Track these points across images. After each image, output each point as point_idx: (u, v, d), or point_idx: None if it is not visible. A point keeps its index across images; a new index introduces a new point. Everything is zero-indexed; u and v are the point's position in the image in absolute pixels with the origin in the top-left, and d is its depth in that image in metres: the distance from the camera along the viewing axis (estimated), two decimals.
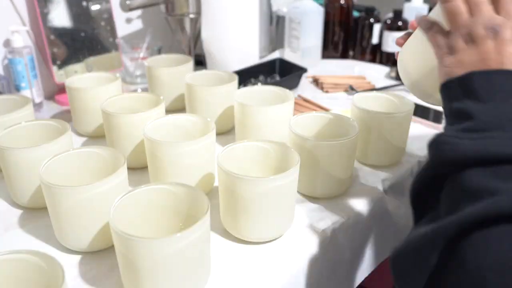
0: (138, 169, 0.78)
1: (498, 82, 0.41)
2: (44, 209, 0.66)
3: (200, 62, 1.24)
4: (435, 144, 0.42)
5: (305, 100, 1.07)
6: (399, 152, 0.79)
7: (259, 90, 0.86)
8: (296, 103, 1.03)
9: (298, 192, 0.71)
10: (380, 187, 0.75)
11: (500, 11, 0.44)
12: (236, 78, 0.90)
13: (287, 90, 0.83)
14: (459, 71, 0.43)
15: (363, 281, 0.74)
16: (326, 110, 1.02)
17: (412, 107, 0.76)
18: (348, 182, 0.72)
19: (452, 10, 0.45)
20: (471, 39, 0.44)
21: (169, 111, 0.97)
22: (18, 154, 0.64)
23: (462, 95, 0.42)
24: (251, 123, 0.79)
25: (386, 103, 0.82)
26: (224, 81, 0.91)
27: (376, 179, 0.76)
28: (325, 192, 0.70)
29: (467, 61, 0.43)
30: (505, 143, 0.38)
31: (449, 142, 0.40)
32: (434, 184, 0.42)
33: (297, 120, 0.73)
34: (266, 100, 0.85)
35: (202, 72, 0.95)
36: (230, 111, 0.89)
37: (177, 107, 0.99)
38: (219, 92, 0.86)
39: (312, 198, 0.71)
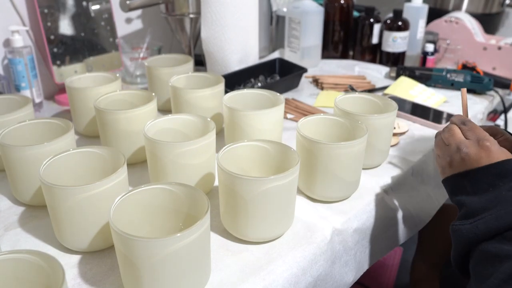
0: (132, 164, 0.79)
1: (481, 178, 0.55)
2: (45, 207, 0.66)
3: (200, 62, 1.24)
4: (450, 233, 0.57)
5: (299, 102, 1.07)
6: (382, 155, 0.79)
7: (249, 94, 0.84)
8: (288, 104, 1.03)
9: (305, 194, 0.71)
10: (381, 188, 0.75)
11: (466, 136, 0.61)
12: (222, 81, 0.88)
13: (278, 94, 0.81)
14: (449, 172, 0.61)
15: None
16: (321, 113, 1.02)
17: (396, 108, 0.75)
18: (356, 185, 0.72)
19: (438, 143, 0.65)
20: (453, 155, 0.60)
21: (169, 111, 0.97)
22: (22, 152, 0.64)
23: (458, 190, 0.58)
24: (239, 128, 0.77)
25: (370, 105, 0.81)
26: (210, 84, 0.89)
27: (377, 179, 0.76)
28: (335, 195, 0.70)
29: (454, 164, 0.60)
30: (494, 218, 0.51)
31: (455, 230, 0.55)
32: (466, 257, 0.55)
33: (304, 123, 0.71)
34: (257, 104, 0.83)
35: (189, 75, 0.93)
36: (217, 114, 0.88)
37: None
38: (203, 95, 0.85)
39: (312, 198, 0.71)
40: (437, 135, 0.66)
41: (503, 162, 0.54)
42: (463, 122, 0.62)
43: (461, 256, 0.55)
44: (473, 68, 1.20)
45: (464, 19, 1.33)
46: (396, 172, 0.79)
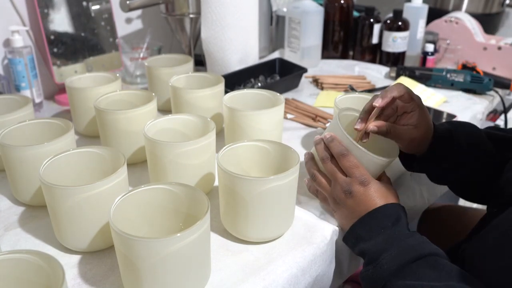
0: (132, 164, 0.79)
1: (371, 223, 0.58)
2: (45, 207, 0.66)
3: (200, 62, 1.24)
4: (361, 283, 0.59)
5: (299, 102, 1.07)
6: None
7: (249, 94, 0.84)
8: (288, 104, 1.03)
9: (305, 194, 0.71)
10: None
11: (348, 175, 0.61)
12: (222, 81, 0.88)
13: (278, 94, 0.81)
14: (344, 224, 0.63)
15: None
16: (321, 113, 1.02)
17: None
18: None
19: (319, 184, 0.64)
20: (337, 201, 0.62)
21: (169, 111, 0.97)
22: (22, 152, 0.64)
23: (356, 241, 0.60)
24: (239, 128, 0.77)
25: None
26: (210, 84, 0.88)
27: None
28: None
29: (344, 215, 0.62)
30: (394, 257, 0.54)
31: (363, 278, 0.57)
32: None
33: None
34: (257, 104, 0.83)
35: (189, 75, 0.93)
36: (217, 114, 0.88)
37: None
38: (203, 95, 0.85)
39: (312, 199, 0.71)
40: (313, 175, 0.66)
41: (385, 207, 0.59)
42: (342, 153, 0.61)
43: None
44: (473, 68, 1.20)
45: (464, 19, 1.33)
46: (395, 172, 0.79)
